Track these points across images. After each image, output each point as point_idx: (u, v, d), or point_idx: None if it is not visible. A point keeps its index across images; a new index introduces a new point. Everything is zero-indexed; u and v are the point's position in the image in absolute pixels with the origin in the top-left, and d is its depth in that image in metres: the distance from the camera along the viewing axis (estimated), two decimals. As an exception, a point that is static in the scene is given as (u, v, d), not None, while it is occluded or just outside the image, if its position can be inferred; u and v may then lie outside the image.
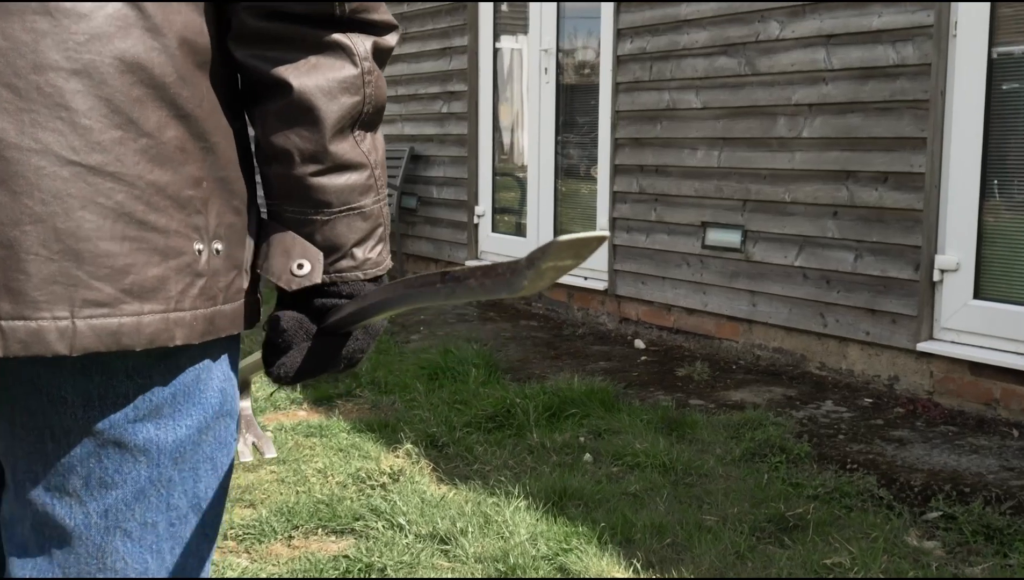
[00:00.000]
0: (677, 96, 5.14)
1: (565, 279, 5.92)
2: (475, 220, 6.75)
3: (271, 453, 1.15)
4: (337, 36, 0.94)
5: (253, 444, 1.15)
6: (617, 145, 5.52)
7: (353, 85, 0.95)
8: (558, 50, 6.06)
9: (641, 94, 5.35)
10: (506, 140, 6.78)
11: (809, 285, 4.56)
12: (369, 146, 1.00)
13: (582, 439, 3.76)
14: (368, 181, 0.99)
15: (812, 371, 4.58)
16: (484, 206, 6.71)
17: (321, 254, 0.98)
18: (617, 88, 5.49)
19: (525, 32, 6.36)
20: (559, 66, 6.08)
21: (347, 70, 0.95)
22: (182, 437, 0.94)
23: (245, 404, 1.16)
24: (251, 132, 1.02)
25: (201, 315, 0.90)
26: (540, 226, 6.22)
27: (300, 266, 0.97)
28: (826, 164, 4.44)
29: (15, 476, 0.92)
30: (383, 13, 0.98)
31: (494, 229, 6.71)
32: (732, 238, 4.90)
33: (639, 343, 5.26)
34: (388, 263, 1.05)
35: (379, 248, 1.03)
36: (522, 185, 6.51)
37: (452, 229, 6.95)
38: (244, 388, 1.15)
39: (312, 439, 3.84)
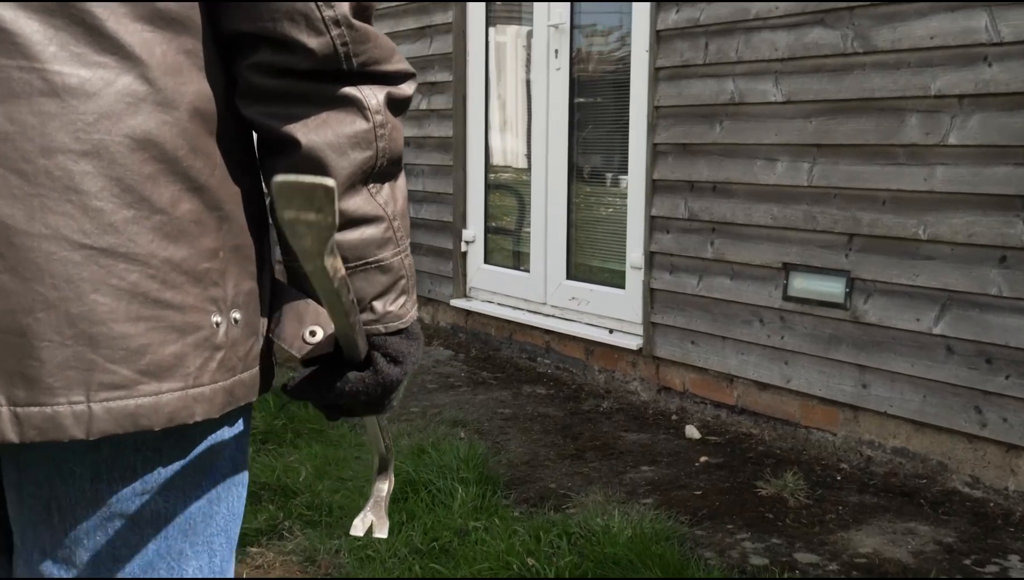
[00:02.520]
0: (746, 85, 3.66)
1: (581, 331, 4.43)
2: (463, 247, 5.26)
3: (382, 534, 1.05)
4: (347, 90, 0.90)
5: (372, 523, 1.06)
6: (656, 153, 4.04)
7: (364, 140, 0.91)
8: (572, 25, 4.57)
9: (692, 83, 3.87)
10: (502, 144, 5.29)
11: (956, 363, 3.09)
12: (386, 197, 0.95)
13: (639, 645, 2.27)
14: (386, 234, 0.95)
15: (960, 490, 3.11)
16: (474, 230, 5.22)
17: (330, 321, 0.92)
18: (656, 75, 4.01)
19: (518, 19, 4.88)
20: (574, 46, 4.59)
21: (358, 124, 0.90)
22: (193, 510, 0.93)
23: (382, 486, 1.08)
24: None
25: (221, 388, 0.88)
26: (548, 258, 4.73)
27: (312, 333, 0.94)
28: (988, 185, 2.97)
29: (23, 544, 0.92)
30: (397, 63, 0.94)
31: (487, 260, 5.21)
32: (831, 288, 3.42)
33: (692, 431, 3.77)
34: (413, 315, 1.00)
35: (401, 300, 0.98)
36: (524, 204, 5.03)
37: (434, 258, 5.46)
38: (384, 467, 1.09)
39: (197, 637, 2.34)
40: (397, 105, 0.94)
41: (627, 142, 4.25)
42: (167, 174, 0.83)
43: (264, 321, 0.95)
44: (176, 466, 0.91)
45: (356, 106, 0.90)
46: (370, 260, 0.94)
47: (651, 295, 4.12)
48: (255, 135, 0.95)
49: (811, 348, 3.51)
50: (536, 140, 4.76)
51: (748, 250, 3.70)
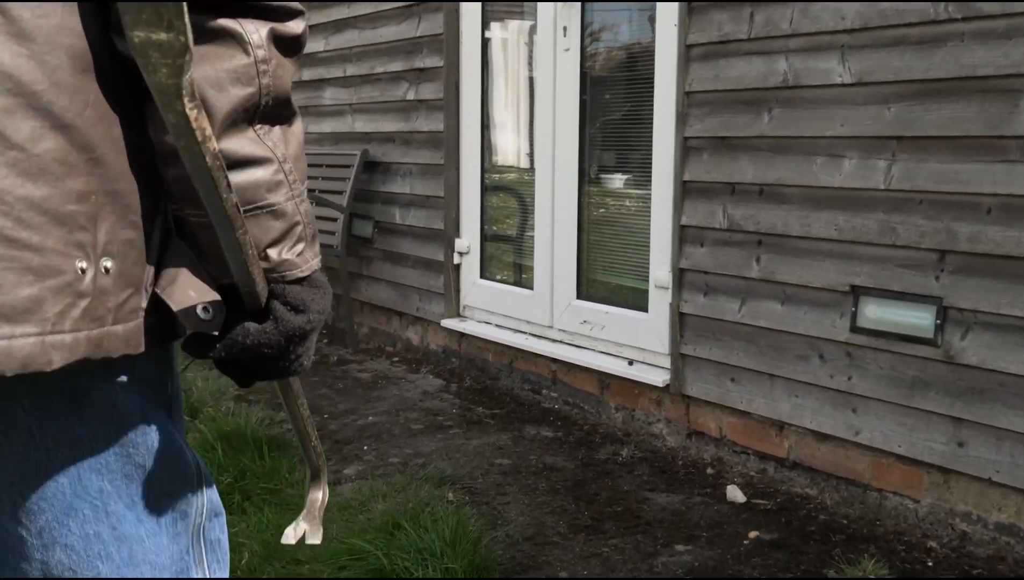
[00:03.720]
0: (803, 64, 2.95)
1: (594, 361, 3.72)
2: (456, 259, 4.54)
3: (315, 540, 1.07)
4: (225, 22, 0.87)
5: (305, 531, 1.07)
6: (687, 149, 3.33)
7: (245, 75, 0.88)
8: (585, -2, 3.86)
9: (733, 62, 3.16)
10: (502, 140, 4.57)
11: (1091, 420, 2.37)
12: (276, 139, 0.92)
13: None
14: (275, 176, 0.91)
15: (1095, 585, 2.39)
16: (469, 239, 4.51)
17: (223, 305, 0.91)
18: (687, 54, 3.29)
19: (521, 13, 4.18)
20: (585, 22, 3.87)
21: (238, 59, 0.87)
22: (101, 451, 0.90)
23: (316, 495, 1.08)
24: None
25: (84, 337, 0.83)
26: (556, 273, 4.01)
27: (206, 310, 0.90)
28: None
29: None
30: None
31: (484, 274, 4.50)
32: (916, 319, 2.71)
33: (735, 492, 3.05)
34: (314, 263, 0.97)
35: (298, 247, 0.94)
36: (527, 209, 4.31)
37: (423, 271, 4.74)
38: (316, 475, 1.09)
39: None
40: (284, 43, 0.90)
41: (651, 136, 3.53)
42: (24, 108, 0.78)
43: (150, 276, 0.89)
44: (73, 418, 0.88)
45: (236, 40, 0.87)
46: (260, 204, 0.90)
47: (680, 321, 3.40)
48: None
49: (887, 393, 2.80)
50: (541, 134, 4.04)
51: (805, 269, 2.99)
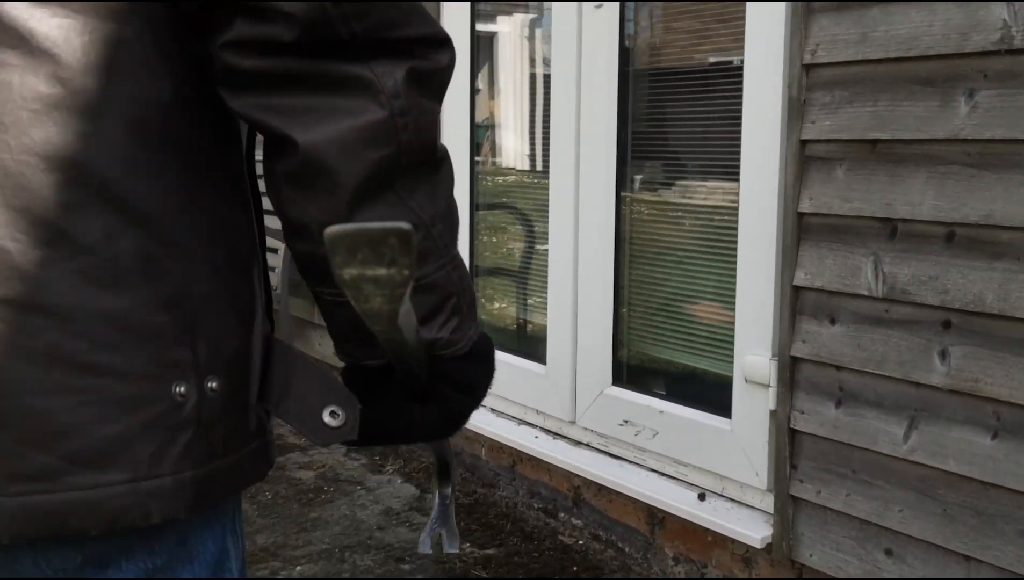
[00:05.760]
0: (1049, 7, 1.62)
1: (641, 485, 2.41)
2: (435, 309, 3.22)
3: (453, 549, 0.92)
4: (353, 69, 0.68)
5: (441, 535, 0.93)
6: (806, 160, 2.00)
7: (381, 134, 0.69)
8: (627, -75, 2.53)
9: (895, 11, 1.83)
10: (501, 139, 3.25)
11: None
12: (422, 199, 0.73)
13: None
14: (423, 244, 0.74)
15: None
16: (454, 281, 3.18)
17: (356, 400, 0.75)
18: (809, 3, 1.97)
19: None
20: (630, -37, 2.55)
21: (370, 114, 0.68)
22: None
23: (447, 491, 0.95)
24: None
25: (189, 479, 0.69)
26: (580, 343, 2.69)
27: (334, 415, 0.75)
28: None
29: None
30: (420, 25, 0.70)
31: (474, 333, 3.18)
32: None
33: None
34: (472, 334, 0.79)
35: (453, 323, 0.78)
36: (536, 241, 2.99)
37: (390, 322, 3.42)
38: (445, 474, 0.95)
39: None
40: (426, 83, 0.71)
41: (737, 136, 2.21)
42: (95, 203, 0.66)
43: (255, 390, 0.75)
44: (132, 570, 0.71)
45: (367, 90, 0.68)
46: None
47: (792, 441, 2.08)
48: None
49: None
50: (559, 131, 2.71)
51: (1046, 380, 1.66)
